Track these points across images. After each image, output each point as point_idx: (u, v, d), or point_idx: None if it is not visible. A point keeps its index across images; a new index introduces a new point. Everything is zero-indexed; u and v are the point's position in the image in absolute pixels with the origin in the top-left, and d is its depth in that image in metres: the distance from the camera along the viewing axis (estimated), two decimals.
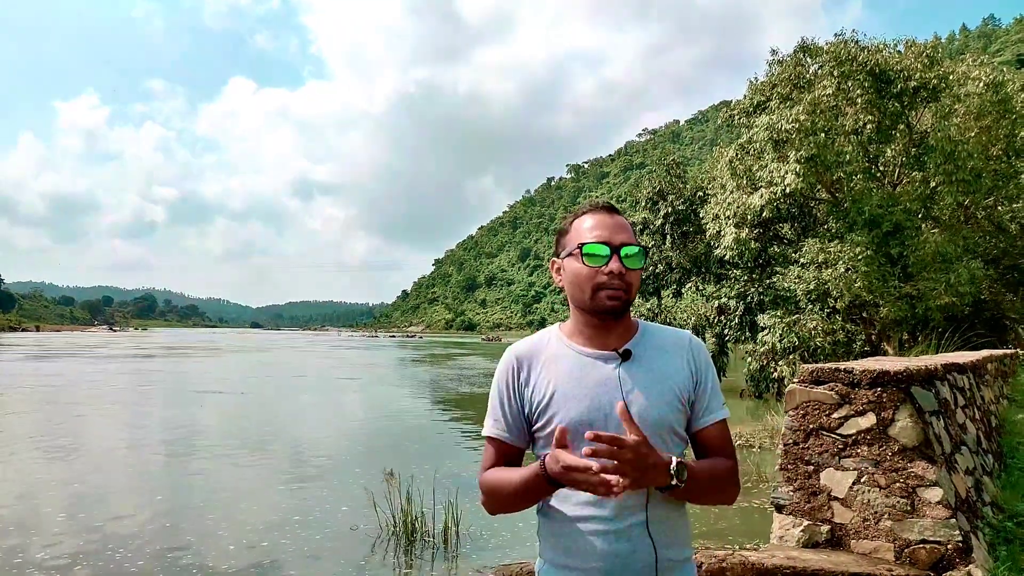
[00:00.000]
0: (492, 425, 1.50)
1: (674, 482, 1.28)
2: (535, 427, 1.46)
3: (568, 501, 1.40)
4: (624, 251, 1.40)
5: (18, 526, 6.40)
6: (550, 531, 1.44)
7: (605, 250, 1.40)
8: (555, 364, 1.45)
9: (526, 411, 1.47)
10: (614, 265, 1.39)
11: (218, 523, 6.60)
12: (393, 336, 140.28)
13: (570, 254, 1.45)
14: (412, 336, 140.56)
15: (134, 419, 13.75)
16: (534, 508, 1.49)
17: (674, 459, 1.29)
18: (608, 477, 1.20)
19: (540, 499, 1.42)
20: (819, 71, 15.38)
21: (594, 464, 1.21)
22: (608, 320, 1.44)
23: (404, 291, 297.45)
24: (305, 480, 8.53)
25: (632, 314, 1.54)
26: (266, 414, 15.39)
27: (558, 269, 1.50)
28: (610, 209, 1.47)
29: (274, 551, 5.78)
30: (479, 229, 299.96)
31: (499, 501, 1.45)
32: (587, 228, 1.44)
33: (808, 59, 15.94)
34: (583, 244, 1.41)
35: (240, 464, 9.46)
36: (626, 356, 1.42)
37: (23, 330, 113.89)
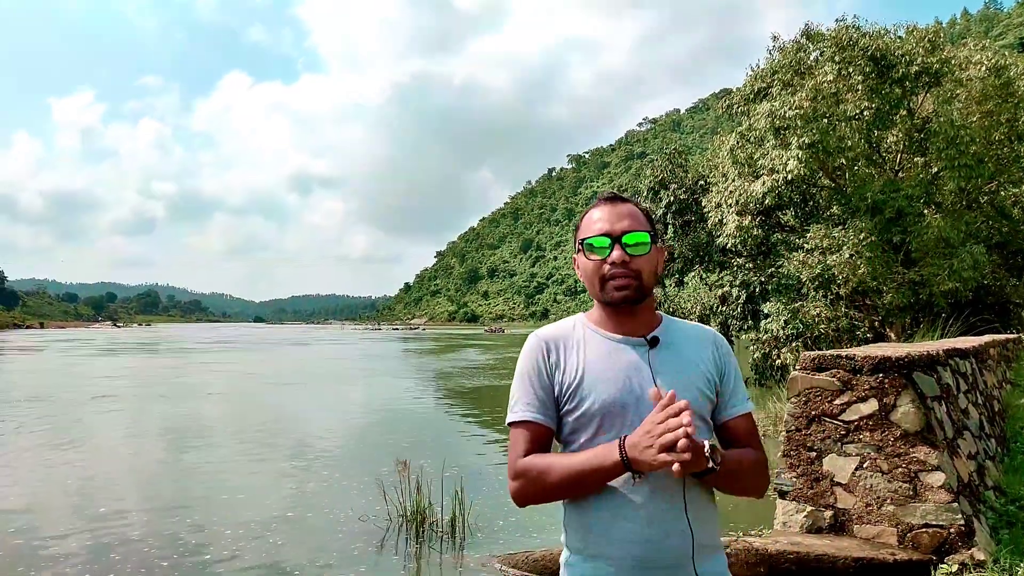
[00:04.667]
0: (524, 408, 1.44)
1: (710, 465, 1.25)
2: (564, 409, 1.44)
3: (603, 489, 1.38)
4: (626, 239, 1.41)
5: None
6: (580, 520, 1.41)
7: (606, 241, 1.41)
8: (584, 348, 1.46)
9: (555, 393, 1.45)
10: (615, 254, 1.40)
11: (230, 511, 6.65)
12: (396, 328, 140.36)
13: (579, 250, 1.47)
14: (415, 328, 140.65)
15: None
16: (562, 501, 1.46)
17: (706, 443, 1.27)
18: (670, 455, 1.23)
19: (600, 485, 1.36)
20: (820, 57, 15.32)
21: (683, 431, 1.22)
22: (625, 310, 1.45)
23: (406, 283, 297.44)
24: (318, 470, 8.59)
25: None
26: (290, 407, 15.48)
27: (577, 265, 1.51)
28: (615, 199, 1.48)
29: (285, 540, 5.84)
30: (480, 221, 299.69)
31: (545, 487, 1.38)
32: (593, 221, 1.46)
33: (810, 45, 15.87)
34: (584, 239, 1.44)
35: (252, 454, 9.53)
36: (654, 343, 1.43)
37: (27, 327, 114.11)
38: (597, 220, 1.45)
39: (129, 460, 9.55)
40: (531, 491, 1.39)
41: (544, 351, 1.47)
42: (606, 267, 1.41)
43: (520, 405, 1.45)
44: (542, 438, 1.43)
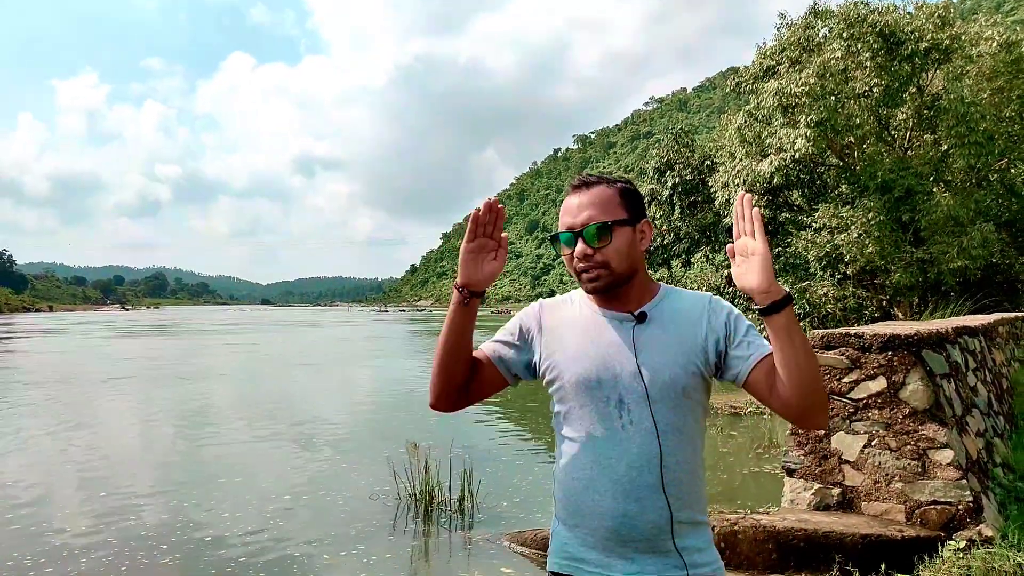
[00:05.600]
0: (488, 342, 1.56)
1: (788, 291, 1.32)
2: (548, 379, 1.50)
3: (580, 460, 1.42)
4: (586, 232, 1.41)
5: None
6: (563, 491, 1.45)
7: (569, 237, 1.44)
8: (573, 321, 1.49)
9: (532, 356, 1.52)
10: (579, 249, 1.42)
11: (242, 490, 6.73)
12: (403, 310, 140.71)
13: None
14: (422, 310, 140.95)
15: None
16: (551, 472, 1.52)
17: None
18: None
19: (460, 321, 1.46)
20: (828, 34, 15.16)
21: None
22: (623, 286, 1.45)
23: (413, 265, 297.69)
24: (329, 450, 8.66)
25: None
26: (302, 388, 15.60)
27: None
28: (581, 185, 1.48)
29: (296, 517, 5.90)
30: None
31: (436, 352, 1.49)
32: (562, 214, 1.48)
33: (818, 22, 15.69)
34: (554, 235, 1.47)
35: (265, 434, 9.61)
36: (641, 318, 1.43)
37: (37, 310, 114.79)
38: (564, 214, 1.47)
39: (147, 440, 9.66)
40: (433, 374, 1.50)
41: (536, 315, 1.54)
42: (576, 262, 1.44)
43: (489, 340, 1.57)
44: (479, 362, 1.53)
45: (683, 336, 1.42)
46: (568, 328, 1.48)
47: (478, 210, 1.43)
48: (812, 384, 1.31)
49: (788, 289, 1.22)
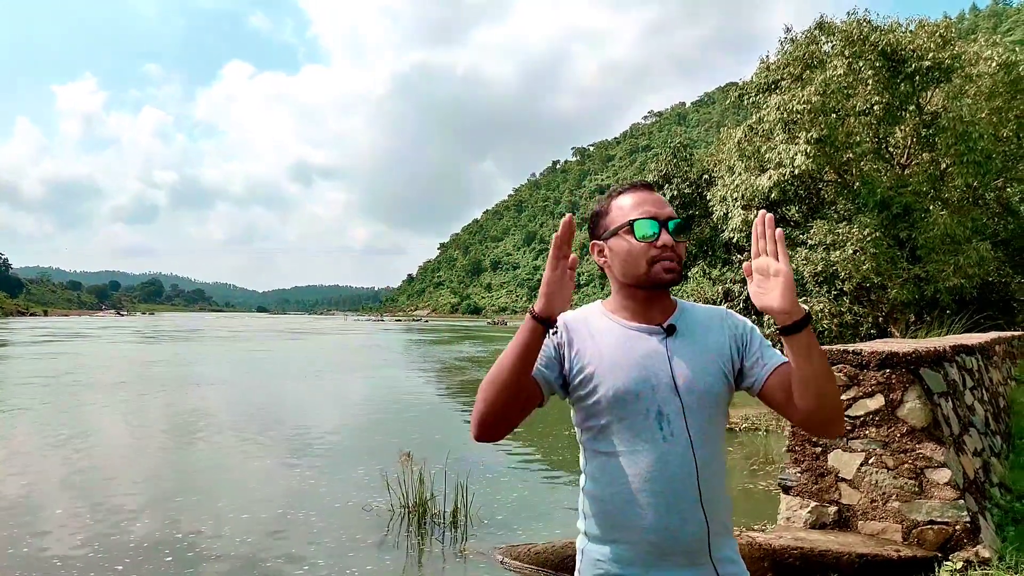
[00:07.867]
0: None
1: (807, 310, 1.32)
2: (579, 394, 1.43)
3: (619, 474, 1.39)
4: (672, 224, 1.44)
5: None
6: (598, 507, 1.42)
7: (655, 225, 1.43)
8: (601, 335, 1.46)
9: (564, 368, 1.44)
10: (665, 238, 1.42)
11: (236, 499, 6.66)
12: (399, 320, 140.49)
13: (615, 233, 1.46)
14: (418, 320, 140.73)
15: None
16: (580, 487, 1.48)
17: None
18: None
19: (529, 350, 1.32)
20: (831, 50, 15.23)
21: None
22: (657, 294, 1.47)
23: (409, 275, 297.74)
24: (322, 460, 8.60)
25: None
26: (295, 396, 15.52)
27: (600, 251, 1.51)
28: (648, 186, 1.52)
29: (289, 528, 5.84)
30: (484, 213, 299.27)
31: (493, 383, 1.33)
32: (631, 205, 1.46)
33: (822, 37, 15.77)
34: (633, 220, 1.43)
35: (260, 444, 9.55)
36: (671, 330, 1.45)
37: (31, 315, 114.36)
38: (640, 204, 1.45)
39: (144, 448, 9.59)
40: (485, 396, 1.34)
41: (561, 329, 1.46)
42: (654, 251, 1.42)
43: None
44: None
45: (709, 346, 1.45)
46: (598, 341, 1.45)
47: (559, 234, 1.32)
48: (831, 397, 1.35)
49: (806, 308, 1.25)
